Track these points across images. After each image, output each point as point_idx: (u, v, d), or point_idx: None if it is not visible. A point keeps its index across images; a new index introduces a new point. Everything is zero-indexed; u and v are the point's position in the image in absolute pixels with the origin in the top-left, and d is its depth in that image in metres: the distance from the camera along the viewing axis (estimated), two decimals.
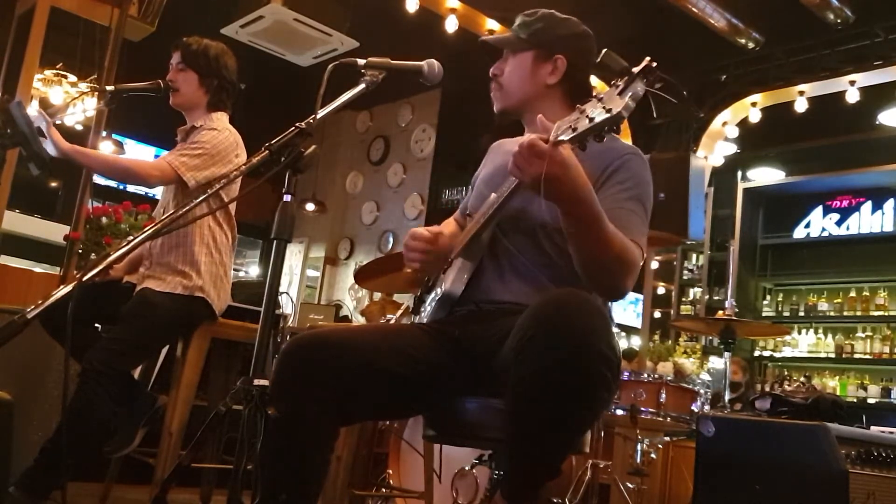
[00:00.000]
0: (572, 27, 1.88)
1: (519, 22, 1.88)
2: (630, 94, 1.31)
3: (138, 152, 8.14)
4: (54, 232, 4.69)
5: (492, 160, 2.01)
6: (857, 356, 6.83)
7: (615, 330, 1.57)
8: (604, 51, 1.42)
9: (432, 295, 1.84)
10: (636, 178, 1.72)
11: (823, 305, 7.17)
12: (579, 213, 1.50)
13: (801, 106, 6.17)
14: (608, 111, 1.31)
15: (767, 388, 6.64)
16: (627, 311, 7.54)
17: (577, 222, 1.52)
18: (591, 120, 1.33)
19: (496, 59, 1.90)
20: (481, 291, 1.77)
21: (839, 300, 7.10)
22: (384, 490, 2.93)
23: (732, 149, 7.03)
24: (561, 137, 1.38)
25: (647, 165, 1.77)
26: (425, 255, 1.79)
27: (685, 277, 7.77)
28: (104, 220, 3.84)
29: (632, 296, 7.33)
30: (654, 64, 1.33)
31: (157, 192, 3.06)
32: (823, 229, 7.36)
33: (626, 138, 5.21)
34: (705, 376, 3.61)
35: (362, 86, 1.82)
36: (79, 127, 4.84)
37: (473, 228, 1.76)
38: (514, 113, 1.89)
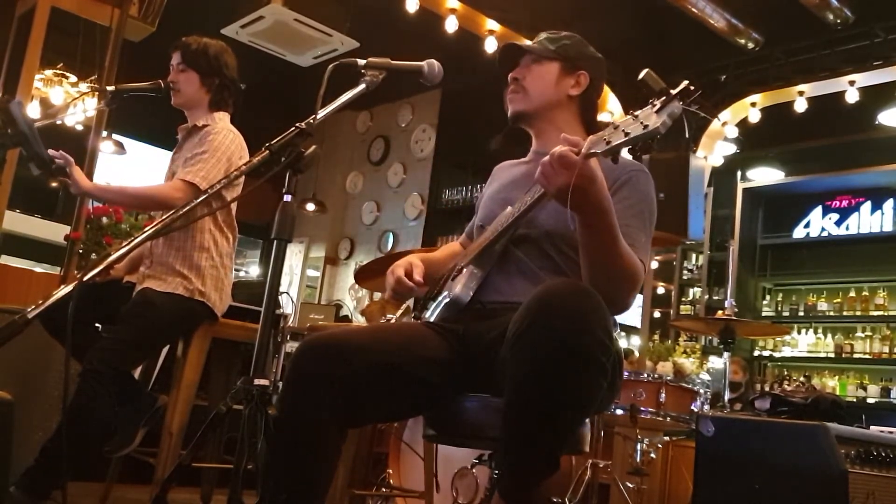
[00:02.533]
0: (594, 51, 1.98)
1: (545, 36, 1.95)
2: (668, 112, 1.34)
3: (139, 152, 8.14)
4: (55, 232, 4.69)
5: (497, 179, 2.05)
6: (856, 356, 6.84)
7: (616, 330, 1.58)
8: (645, 70, 1.45)
9: (437, 301, 1.86)
10: (641, 194, 1.77)
11: (823, 305, 7.17)
12: (599, 226, 1.52)
13: (800, 106, 6.17)
14: (645, 127, 1.34)
15: (767, 388, 6.65)
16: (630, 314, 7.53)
17: (596, 234, 1.54)
18: (627, 134, 1.36)
19: (506, 65, 1.94)
20: (488, 292, 1.79)
21: (839, 300, 7.11)
22: (384, 490, 2.93)
23: (732, 149, 7.03)
24: (594, 150, 1.40)
25: (652, 182, 1.82)
26: (398, 294, 1.89)
27: (685, 277, 7.78)
28: (104, 220, 3.84)
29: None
30: (693, 87, 1.36)
31: None
32: (823, 229, 7.37)
33: None
34: (705, 376, 3.61)
35: (362, 86, 1.82)
36: (79, 127, 4.85)
37: (488, 238, 1.79)
38: (530, 117, 1.92)
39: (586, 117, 1.94)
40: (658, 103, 1.35)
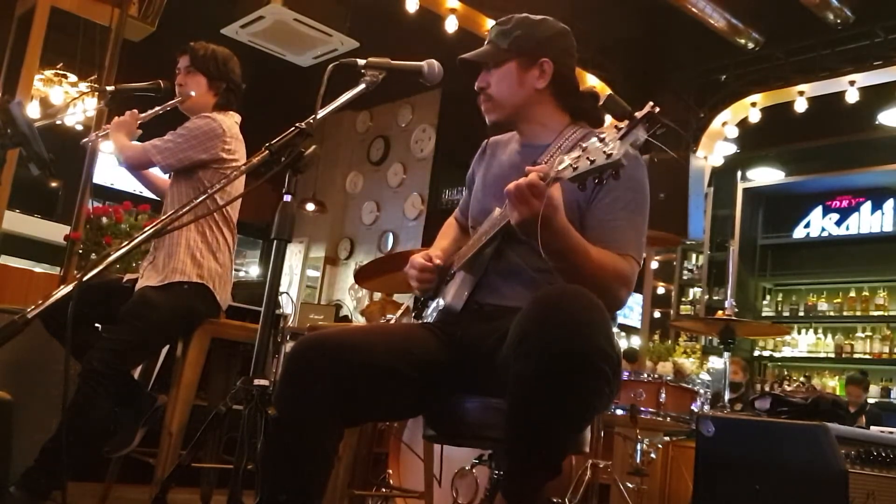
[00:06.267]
0: (550, 27, 1.86)
1: (496, 32, 1.85)
2: (631, 139, 1.32)
3: None
4: (54, 232, 4.68)
5: (489, 163, 1.98)
6: (856, 356, 6.84)
7: (615, 330, 1.57)
8: (607, 94, 1.42)
9: (434, 304, 1.86)
10: (631, 182, 1.69)
11: (823, 305, 7.18)
12: (561, 250, 1.53)
13: (801, 106, 6.18)
14: (608, 156, 1.32)
15: (767, 388, 6.66)
16: (630, 314, 7.54)
17: (560, 257, 1.55)
18: (592, 162, 1.34)
19: (476, 72, 1.87)
20: (485, 295, 1.77)
21: (839, 300, 7.11)
22: (384, 490, 2.92)
23: (732, 149, 7.04)
24: (562, 175, 1.40)
25: (644, 167, 1.76)
26: (425, 283, 1.85)
27: (685, 277, 7.78)
28: (104, 220, 3.84)
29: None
30: (657, 109, 1.32)
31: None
32: (823, 229, 7.37)
33: None
34: (705, 376, 3.60)
35: (362, 86, 1.82)
36: (79, 127, 4.84)
37: (477, 244, 1.76)
38: (508, 123, 1.88)
39: (566, 102, 1.85)
40: (622, 128, 1.33)
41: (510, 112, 1.84)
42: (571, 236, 1.53)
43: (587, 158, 1.35)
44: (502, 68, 1.82)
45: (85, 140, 2.92)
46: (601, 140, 1.34)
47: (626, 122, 1.33)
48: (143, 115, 2.76)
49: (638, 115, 1.33)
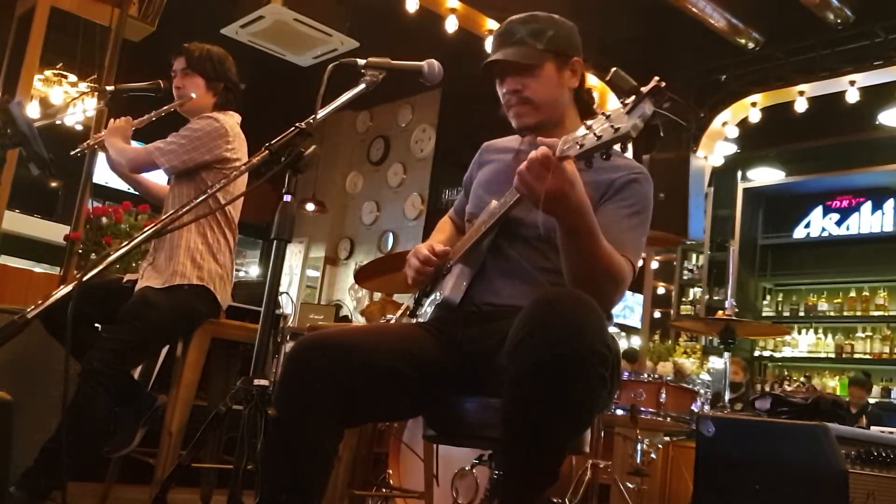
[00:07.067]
0: (569, 26, 1.84)
1: (527, 31, 1.77)
2: (638, 113, 1.31)
3: None
4: (54, 232, 4.69)
5: (487, 163, 1.97)
6: (857, 356, 6.85)
7: (615, 330, 1.57)
8: (613, 70, 1.42)
9: (431, 298, 1.85)
10: (639, 196, 1.72)
11: (823, 305, 7.19)
12: (577, 228, 1.51)
13: (801, 106, 6.18)
14: (616, 130, 1.31)
15: (767, 388, 6.66)
16: (630, 314, 7.54)
17: (575, 236, 1.53)
18: (599, 137, 1.33)
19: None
20: (482, 293, 1.77)
21: (839, 300, 7.12)
22: (384, 490, 2.92)
23: (732, 149, 7.04)
24: (568, 153, 1.39)
25: (652, 185, 1.77)
26: (424, 275, 1.83)
27: (685, 277, 7.79)
28: (104, 220, 3.84)
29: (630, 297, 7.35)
30: (664, 84, 1.32)
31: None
32: (823, 229, 7.38)
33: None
34: (705, 376, 3.61)
35: (362, 86, 1.82)
36: (79, 127, 4.84)
37: (474, 236, 1.76)
38: (541, 126, 1.78)
39: (581, 104, 1.84)
40: (629, 103, 1.32)
41: (549, 114, 1.78)
42: (586, 217, 1.49)
43: (594, 135, 1.34)
44: (543, 70, 1.76)
45: (75, 151, 2.86)
46: (607, 117, 1.34)
47: (632, 97, 1.32)
48: (139, 120, 2.74)
49: (644, 89, 1.32)
